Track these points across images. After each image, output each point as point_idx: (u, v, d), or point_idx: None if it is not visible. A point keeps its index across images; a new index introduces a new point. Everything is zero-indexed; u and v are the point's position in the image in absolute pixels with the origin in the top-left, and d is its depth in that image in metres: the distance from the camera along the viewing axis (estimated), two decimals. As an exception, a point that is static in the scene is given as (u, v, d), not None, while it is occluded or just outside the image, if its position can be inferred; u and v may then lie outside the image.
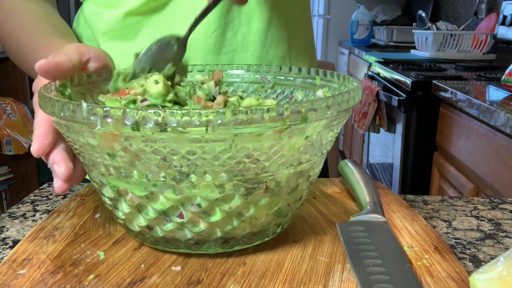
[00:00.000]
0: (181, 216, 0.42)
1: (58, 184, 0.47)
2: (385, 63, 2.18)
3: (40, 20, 0.68)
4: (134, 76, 0.52)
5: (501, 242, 0.52)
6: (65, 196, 0.64)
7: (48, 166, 0.49)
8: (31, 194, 0.64)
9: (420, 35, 2.46)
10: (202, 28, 0.70)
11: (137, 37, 0.73)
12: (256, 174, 0.41)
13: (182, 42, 0.55)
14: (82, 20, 0.77)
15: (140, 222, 0.44)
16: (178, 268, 0.43)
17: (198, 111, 0.36)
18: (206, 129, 0.36)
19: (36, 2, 0.71)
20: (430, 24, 2.47)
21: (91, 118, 0.37)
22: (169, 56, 0.54)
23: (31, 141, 0.47)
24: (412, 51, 2.57)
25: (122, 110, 0.36)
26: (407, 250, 0.46)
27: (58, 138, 0.47)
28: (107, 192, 0.45)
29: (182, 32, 0.71)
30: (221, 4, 0.70)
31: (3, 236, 0.52)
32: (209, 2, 0.56)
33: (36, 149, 0.46)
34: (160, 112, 0.36)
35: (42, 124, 0.47)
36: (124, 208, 0.44)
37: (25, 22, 0.67)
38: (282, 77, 0.58)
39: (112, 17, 0.72)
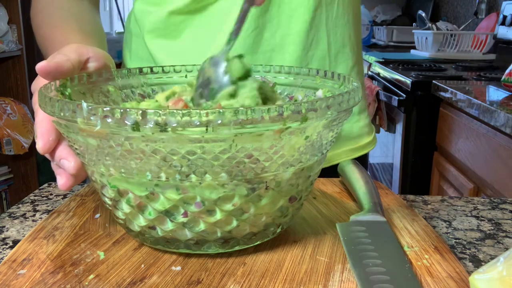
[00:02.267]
0: (184, 215, 0.42)
1: (62, 181, 0.47)
2: (385, 63, 2.18)
3: (69, 17, 0.68)
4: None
5: (501, 242, 0.52)
6: (65, 196, 0.64)
7: (55, 163, 0.49)
8: (31, 194, 0.64)
9: (420, 35, 2.46)
10: None
11: (181, 36, 0.74)
12: (256, 174, 0.41)
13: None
14: (132, 17, 0.80)
15: (140, 222, 0.44)
16: (178, 268, 0.43)
17: (198, 111, 0.36)
18: (206, 129, 0.36)
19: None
20: (430, 24, 2.47)
21: (91, 118, 0.37)
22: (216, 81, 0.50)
23: (31, 141, 0.48)
24: (412, 51, 2.57)
25: (122, 110, 0.36)
26: (407, 250, 0.46)
27: (61, 135, 0.47)
28: (107, 192, 0.45)
29: (220, 33, 0.72)
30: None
31: (3, 236, 0.52)
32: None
33: (42, 146, 0.47)
34: (160, 112, 0.36)
35: (44, 122, 0.47)
36: (124, 208, 0.44)
37: (54, 18, 0.68)
38: (282, 77, 0.58)
39: (157, 16, 0.74)
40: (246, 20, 0.51)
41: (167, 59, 0.74)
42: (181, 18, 0.73)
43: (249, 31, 0.70)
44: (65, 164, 0.47)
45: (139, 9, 0.78)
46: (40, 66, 0.47)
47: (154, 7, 0.75)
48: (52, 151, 0.48)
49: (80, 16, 0.70)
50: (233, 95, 0.46)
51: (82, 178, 0.49)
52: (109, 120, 0.36)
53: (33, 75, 0.52)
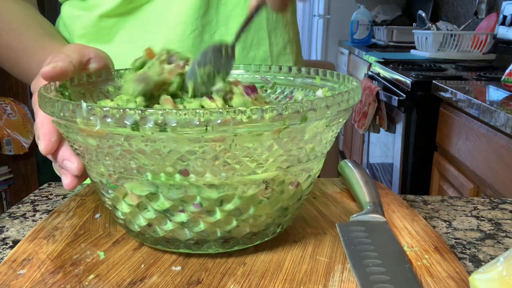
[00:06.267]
0: (182, 213, 0.42)
1: (67, 181, 0.48)
2: (385, 63, 2.18)
3: (27, 23, 0.67)
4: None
5: (501, 242, 0.52)
6: (65, 196, 0.64)
7: (57, 164, 0.49)
8: (31, 194, 0.64)
9: (420, 35, 2.46)
10: (179, 30, 0.70)
11: (113, 40, 0.72)
12: (256, 174, 0.41)
13: (232, 50, 0.51)
14: (61, 23, 0.77)
15: (140, 222, 0.44)
16: (178, 268, 0.43)
17: (198, 111, 0.36)
18: (206, 129, 0.36)
19: (19, 3, 0.70)
20: (430, 24, 2.47)
21: (91, 118, 0.37)
22: (219, 64, 0.49)
23: (31, 141, 0.48)
24: (412, 51, 2.57)
25: (122, 110, 0.36)
26: (407, 250, 0.46)
27: (62, 136, 0.47)
28: (107, 192, 0.45)
29: (158, 36, 0.71)
30: (198, 5, 0.69)
31: (3, 236, 0.52)
32: (249, 13, 0.52)
33: (44, 147, 0.47)
34: (159, 111, 0.36)
35: (45, 123, 0.47)
36: (124, 208, 0.44)
37: (12, 25, 0.67)
38: (282, 77, 0.58)
39: (87, 20, 0.72)
40: (253, 19, 0.52)
41: None
42: (113, 21, 0.71)
43: (187, 33, 0.70)
44: (68, 165, 0.47)
45: (67, 14, 0.75)
46: (44, 71, 0.46)
47: (83, 11, 0.73)
48: (55, 152, 0.48)
49: (37, 19, 0.69)
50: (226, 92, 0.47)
51: (86, 177, 0.49)
52: (108, 120, 0.36)
53: (33, 75, 0.52)
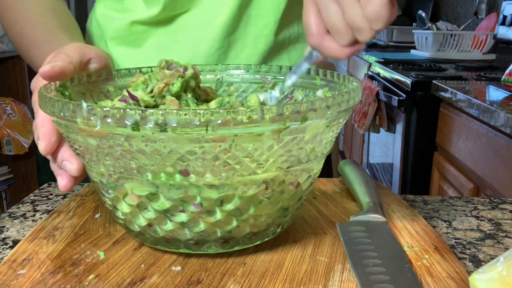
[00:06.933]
0: (182, 213, 0.42)
1: (64, 182, 0.48)
2: (385, 63, 2.18)
3: (46, 13, 0.67)
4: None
5: (501, 242, 0.52)
6: (65, 196, 0.64)
7: (55, 164, 0.49)
8: (31, 194, 0.64)
9: (420, 35, 2.46)
10: (206, 45, 0.71)
11: (143, 45, 0.73)
12: (256, 174, 0.41)
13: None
14: (94, 20, 0.78)
15: (141, 222, 0.44)
16: (178, 268, 0.43)
17: (198, 111, 0.36)
18: (206, 129, 0.36)
19: None
20: (430, 24, 2.47)
21: (91, 118, 0.37)
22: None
23: (31, 141, 0.47)
24: (412, 51, 2.57)
25: (122, 110, 0.36)
26: (407, 250, 0.46)
27: (62, 136, 0.47)
28: (107, 192, 0.45)
29: (185, 48, 0.71)
30: (229, 24, 0.70)
31: (3, 236, 0.52)
32: (302, 60, 0.51)
33: (44, 147, 0.47)
34: (160, 112, 0.36)
35: (45, 123, 0.47)
36: (124, 208, 0.44)
37: (30, 14, 0.67)
38: (282, 77, 0.58)
39: (120, 24, 0.73)
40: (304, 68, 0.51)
41: (131, 66, 0.73)
42: (144, 28, 0.72)
43: (213, 50, 0.71)
44: (67, 166, 0.47)
45: (101, 14, 0.76)
46: (43, 70, 0.46)
47: (117, 13, 0.74)
48: (54, 152, 0.48)
49: (58, 10, 0.69)
50: None
51: (82, 179, 0.49)
52: (109, 120, 0.36)
53: (33, 75, 0.52)
